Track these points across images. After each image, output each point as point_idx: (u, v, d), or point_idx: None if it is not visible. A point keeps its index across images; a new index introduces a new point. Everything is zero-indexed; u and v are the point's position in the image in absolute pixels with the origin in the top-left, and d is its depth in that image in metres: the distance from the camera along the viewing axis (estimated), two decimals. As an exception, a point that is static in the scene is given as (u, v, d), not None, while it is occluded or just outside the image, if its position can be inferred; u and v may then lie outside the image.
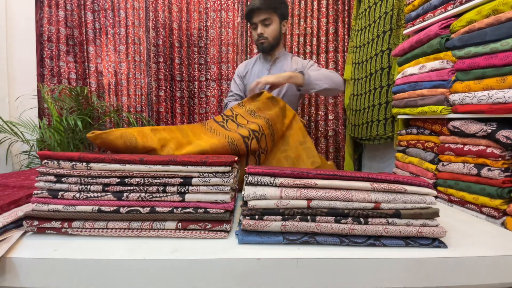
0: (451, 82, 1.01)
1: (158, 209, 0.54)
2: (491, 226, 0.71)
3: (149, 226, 0.54)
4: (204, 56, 2.25)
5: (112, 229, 0.54)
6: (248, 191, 0.53)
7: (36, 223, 0.53)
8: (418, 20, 1.24)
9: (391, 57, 1.56)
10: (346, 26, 2.19)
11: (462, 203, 0.94)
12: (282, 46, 1.52)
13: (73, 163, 0.55)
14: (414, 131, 1.24)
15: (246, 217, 0.53)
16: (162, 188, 0.56)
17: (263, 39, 1.38)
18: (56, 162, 0.56)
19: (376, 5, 1.71)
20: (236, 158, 0.67)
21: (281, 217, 0.52)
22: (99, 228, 0.54)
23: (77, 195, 0.55)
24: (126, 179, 0.56)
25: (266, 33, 1.38)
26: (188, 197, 0.55)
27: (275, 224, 0.52)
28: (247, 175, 0.55)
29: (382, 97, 1.64)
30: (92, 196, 0.55)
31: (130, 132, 0.67)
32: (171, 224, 0.54)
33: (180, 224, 0.54)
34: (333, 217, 0.53)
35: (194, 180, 0.56)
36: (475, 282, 0.51)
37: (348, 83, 2.13)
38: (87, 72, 2.22)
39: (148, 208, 0.54)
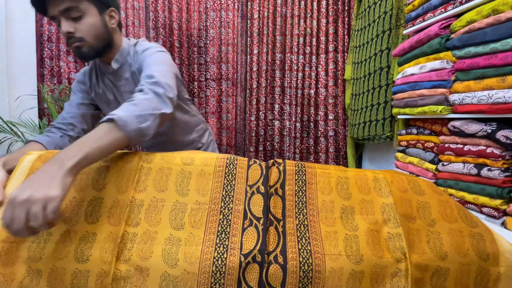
0: (451, 82, 1.01)
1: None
2: (491, 226, 0.71)
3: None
4: (204, 56, 2.25)
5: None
6: None
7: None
8: (418, 20, 1.24)
9: (390, 56, 1.56)
10: (346, 26, 2.19)
11: (462, 203, 0.94)
12: (122, 41, 0.94)
13: None
14: (414, 131, 1.24)
15: None
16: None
17: (77, 41, 0.82)
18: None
19: (376, 5, 1.71)
20: None
21: None
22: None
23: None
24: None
25: (79, 31, 0.81)
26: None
27: None
28: None
29: (381, 97, 1.64)
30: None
31: None
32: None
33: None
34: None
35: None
36: (475, 282, 0.51)
37: (349, 83, 2.13)
38: (87, 72, 2.22)
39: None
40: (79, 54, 0.86)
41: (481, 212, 0.88)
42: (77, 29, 0.81)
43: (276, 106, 2.26)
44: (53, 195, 0.45)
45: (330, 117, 2.25)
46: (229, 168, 0.58)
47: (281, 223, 0.52)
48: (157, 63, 0.83)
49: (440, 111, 1.04)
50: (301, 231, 0.51)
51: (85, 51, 0.85)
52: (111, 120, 0.59)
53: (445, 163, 1.03)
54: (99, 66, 0.98)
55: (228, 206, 0.53)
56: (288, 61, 2.24)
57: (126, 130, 0.60)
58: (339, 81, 2.22)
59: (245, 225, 0.51)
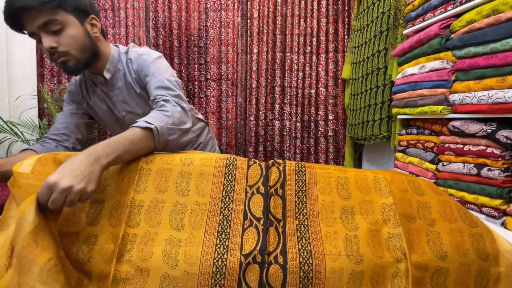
0: (451, 82, 1.01)
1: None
2: (491, 226, 0.71)
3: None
4: (204, 56, 2.25)
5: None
6: None
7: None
8: (418, 20, 1.24)
9: (387, 57, 1.56)
10: (346, 26, 2.19)
11: (462, 203, 0.94)
12: (109, 48, 0.90)
13: None
14: (414, 131, 1.24)
15: None
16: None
17: (61, 56, 0.77)
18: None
19: (374, 5, 1.71)
20: None
21: None
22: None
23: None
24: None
25: (62, 45, 0.76)
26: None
27: None
28: None
29: (378, 97, 1.64)
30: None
31: None
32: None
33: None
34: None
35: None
36: (475, 282, 0.51)
37: (348, 83, 2.13)
38: (87, 72, 2.21)
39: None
40: (65, 69, 0.81)
41: (481, 212, 0.88)
42: (59, 43, 0.75)
43: (277, 106, 2.26)
44: (90, 189, 0.49)
45: (330, 117, 2.25)
46: (229, 169, 0.58)
47: (281, 223, 0.52)
48: (165, 73, 0.83)
49: (440, 111, 1.04)
50: (301, 231, 0.51)
51: (71, 65, 0.79)
52: (146, 127, 0.63)
53: (445, 163, 1.02)
54: (89, 77, 0.93)
55: (228, 206, 0.53)
56: (288, 61, 2.23)
57: (157, 140, 0.64)
58: (339, 81, 2.22)
59: (245, 226, 0.51)
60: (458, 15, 1.01)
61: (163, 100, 0.75)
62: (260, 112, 2.25)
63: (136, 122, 0.65)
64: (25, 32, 0.75)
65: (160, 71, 0.83)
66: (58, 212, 0.49)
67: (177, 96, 0.78)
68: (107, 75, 0.89)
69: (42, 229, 0.43)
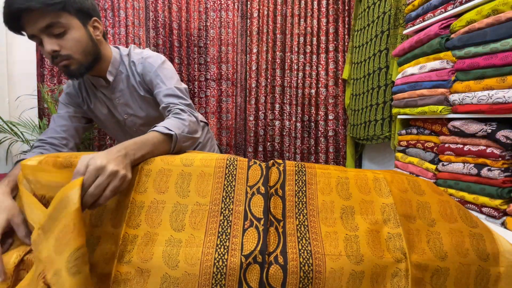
0: (451, 82, 1.01)
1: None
2: (491, 226, 0.71)
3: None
4: (204, 56, 2.25)
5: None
6: None
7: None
8: (418, 20, 1.24)
9: (388, 57, 1.56)
10: (346, 26, 2.19)
11: (462, 203, 0.94)
12: (110, 51, 0.88)
13: None
14: (414, 131, 1.24)
15: None
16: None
17: (64, 60, 0.74)
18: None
19: (375, 5, 1.71)
20: None
21: None
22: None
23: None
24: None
25: (65, 48, 0.73)
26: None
27: None
28: None
29: (379, 97, 1.64)
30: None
31: None
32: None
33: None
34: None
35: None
36: (475, 282, 0.51)
37: (348, 83, 2.13)
38: (87, 72, 2.21)
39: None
40: (67, 73, 0.78)
41: (481, 212, 0.88)
42: (62, 46, 0.72)
43: (277, 106, 2.26)
44: (129, 177, 0.52)
45: (330, 117, 2.25)
46: (229, 169, 0.58)
47: (281, 223, 0.52)
48: (172, 80, 0.85)
49: (440, 111, 1.04)
50: (301, 231, 0.51)
51: (74, 69, 0.77)
52: (167, 134, 0.66)
53: (445, 163, 1.03)
54: (88, 79, 0.91)
55: (229, 207, 0.53)
56: (288, 61, 2.23)
57: (173, 145, 0.67)
58: (340, 81, 2.22)
59: (245, 226, 0.51)
60: (458, 15, 1.01)
61: (178, 109, 0.78)
62: (260, 112, 2.25)
63: (155, 126, 0.68)
64: (24, 33, 0.73)
65: (168, 77, 0.85)
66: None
67: (189, 105, 0.82)
68: (110, 78, 0.88)
69: (81, 214, 0.44)
